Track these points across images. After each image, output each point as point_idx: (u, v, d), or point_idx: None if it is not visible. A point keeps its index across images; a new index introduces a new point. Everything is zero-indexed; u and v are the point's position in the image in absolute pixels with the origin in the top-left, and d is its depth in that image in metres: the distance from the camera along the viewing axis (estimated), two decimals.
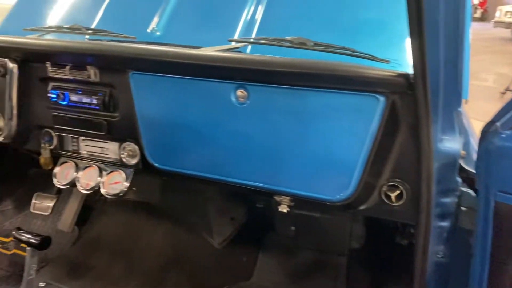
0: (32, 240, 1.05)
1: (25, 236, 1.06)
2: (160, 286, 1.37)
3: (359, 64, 0.88)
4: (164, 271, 1.42)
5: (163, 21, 1.46)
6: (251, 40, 1.12)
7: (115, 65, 1.06)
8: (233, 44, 1.13)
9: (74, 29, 1.33)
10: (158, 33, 1.43)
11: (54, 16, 1.75)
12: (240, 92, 0.93)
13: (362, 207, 0.97)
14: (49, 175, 1.29)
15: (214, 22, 1.43)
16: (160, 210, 1.53)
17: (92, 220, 1.60)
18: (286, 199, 1.03)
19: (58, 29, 1.36)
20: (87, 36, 1.40)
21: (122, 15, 1.60)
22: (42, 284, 1.29)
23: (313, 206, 1.28)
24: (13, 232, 1.09)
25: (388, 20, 1.14)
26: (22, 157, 1.51)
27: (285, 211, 1.05)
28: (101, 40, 1.33)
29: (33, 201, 1.65)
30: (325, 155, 0.91)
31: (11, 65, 1.17)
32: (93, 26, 1.58)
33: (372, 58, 0.93)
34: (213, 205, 1.49)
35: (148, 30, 1.42)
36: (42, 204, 1.65)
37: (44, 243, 1.06)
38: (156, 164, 1.09)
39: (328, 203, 0.95)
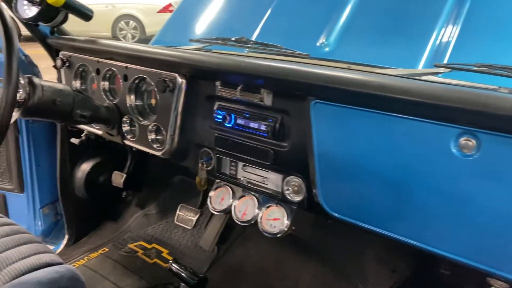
0: (189, 279, 0.97)
1: (182, 272, 0.99)
2: None
3: None
4: None
5: (334, 34, 1.29)
6: (474, 68, 0.87)
7: (295, 91, 0.91)
8: (436, 69, 0.91)
9: (241, 42, 1.23)
10: (327, 49, 1.27)
11: (213, 26, 1.70)
12: (465, 141, 0.71)
13: None
14: (192, 183, 1.22)
15: (395, 38, 1.21)
16: (310, 246, 1.37)
17: (233, 242, 1.51)
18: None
19: (224, 41, 1.28)
20: (246, 50, 1.31)
21: (286, 26, 1.48)
22: None
23: None
24: (170, 262, 1.03)
25: None
26: (169, 164, 1.49)
27: None
28: (266, 54, 1.21)
29: (177, 212, 1.63)
30: None
31: (180, 81, 1.10)
32: (253, 38, 1.48)
33: None
34: (373, 252, 1.28)
35: (317, 44, 1.26)
36: (185, 217, 1.62)
37: (200, 284, 0.97)
38: (326, 208, 0.92)
39: None
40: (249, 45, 1.23)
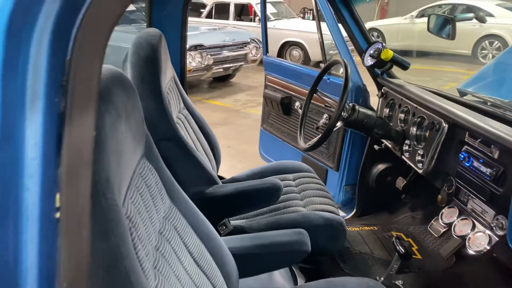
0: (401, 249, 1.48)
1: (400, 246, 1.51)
2: None
3: None
4: None
5: None
6: None
7: None
8: None
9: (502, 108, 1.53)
10: None
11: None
12: None
13: None
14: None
15: None
16: None
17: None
18: None
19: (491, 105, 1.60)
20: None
21: None
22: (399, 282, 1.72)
23: None
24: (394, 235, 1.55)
25: None
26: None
27: None
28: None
29: (433, 221, 2.06)
30: None
31: (444, 125, 1.56)
32: None
33: None
34: None
35: None
36: (436, 227, 2.02)
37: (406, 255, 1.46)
38: None
39: None
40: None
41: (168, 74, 1.60)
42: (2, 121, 0.31)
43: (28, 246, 0.33)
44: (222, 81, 7.49)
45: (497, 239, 1.33)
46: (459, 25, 1.78)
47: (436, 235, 2.02)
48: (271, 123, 3.03)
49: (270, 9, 9.31)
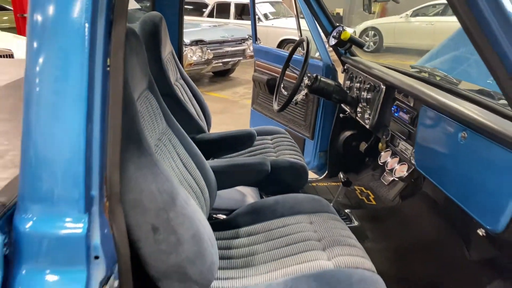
0: (342, 177, 1.94)
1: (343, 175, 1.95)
2: None
3: None
4: None
5: None
6: None
7: (419, 101, 1.66)
8: None
9: (432, 75, 1.96)
10: None
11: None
12: None
13: None
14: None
15: None
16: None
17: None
18: None
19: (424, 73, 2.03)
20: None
21: None
22: None
23: None
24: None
25: None
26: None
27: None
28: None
29: (384, 173, 2.49)
30: None
31: (382, 87, 2.00)
32: None
33: None
34: None
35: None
36: (387, 177, 2.45)
37: (347, 183, 1.92)
38: (417, 167, 1.63)
39: None
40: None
41: (167, 48, 2.04)
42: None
43: None
44: (222, 75, 7.95)
45: (412, 167, 1.76)
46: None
47: (386, 183, 2.46)
48: (259, 103, 3.47)
49: (269, 8, 9.79)
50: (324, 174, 2.87)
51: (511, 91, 0.92)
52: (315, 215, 1.55)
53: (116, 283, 0.83)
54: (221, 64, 7.19)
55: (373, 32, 11.39)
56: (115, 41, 0.76)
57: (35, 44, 0.72)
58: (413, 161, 1.72)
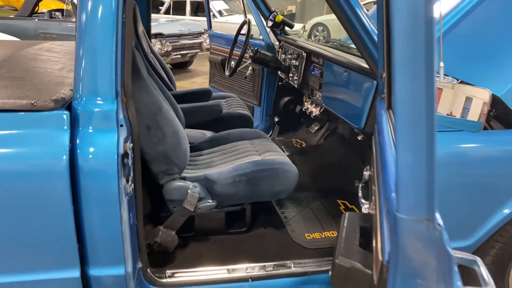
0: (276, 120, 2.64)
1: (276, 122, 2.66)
2: None
3: None
4: None
5: None
6: None
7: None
8: None
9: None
10: None
11: None
12: None
13: None
14: None
15: None
16: None
17: None
18: None
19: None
20: None
21: None
22: None
23: None
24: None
25: None
26: None
27: None
28: None
29: (312, 124, 3.21)
30: None
31: (304, 54, 2.71)
32: None
33: None
34: None
35: None
36: (314, 126, 3.18)
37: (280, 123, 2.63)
38: None
39: None
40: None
41: (140, 27, 2.65)
42: None
43: None
44: (181, 67, 8.51)
45: (323, 107, 2.47)
46: None
47: (313, 132, 3.19)
48: (215, 81, 4.11)
49: (223, 5, 10.45)
50: (270, 134, 3.56)
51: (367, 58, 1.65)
52: (255, 140, 2.22)
53: (131, 145, 1.45)
54: (179, 56, 7.75)
55: (321, 27, 12.32)
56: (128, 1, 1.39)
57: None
58: (322, 102, 2.44)
